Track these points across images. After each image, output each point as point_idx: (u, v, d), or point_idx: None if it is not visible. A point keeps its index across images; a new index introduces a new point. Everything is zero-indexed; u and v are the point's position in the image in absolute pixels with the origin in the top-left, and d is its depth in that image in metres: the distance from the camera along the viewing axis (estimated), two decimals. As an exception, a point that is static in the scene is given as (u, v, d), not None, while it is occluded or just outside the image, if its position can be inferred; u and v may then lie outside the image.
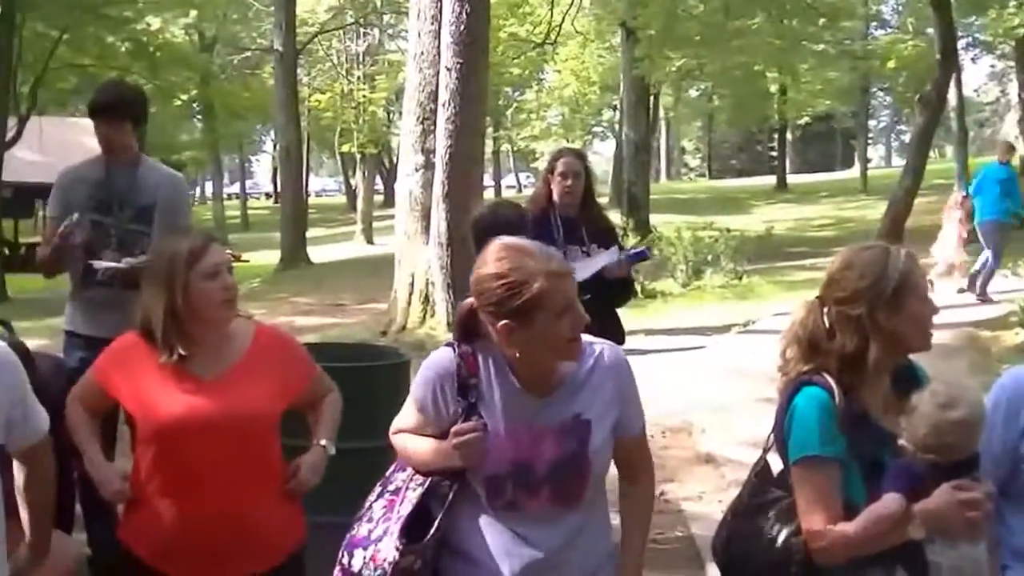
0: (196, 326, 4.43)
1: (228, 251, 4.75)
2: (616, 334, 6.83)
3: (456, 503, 3.94)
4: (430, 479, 3.99)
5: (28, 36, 37.07)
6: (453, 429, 3.86)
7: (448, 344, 4.03)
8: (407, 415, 4.16)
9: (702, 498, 9.22)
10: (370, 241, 47.04)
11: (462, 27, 15.16)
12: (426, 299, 16.44)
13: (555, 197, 7.82)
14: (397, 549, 3.86)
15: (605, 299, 7.33)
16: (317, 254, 37.47)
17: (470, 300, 3.88)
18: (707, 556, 6.93)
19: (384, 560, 3.88)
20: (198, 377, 4.45)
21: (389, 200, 64.17)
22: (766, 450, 4.07)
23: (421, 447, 4.05)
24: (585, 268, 7.13)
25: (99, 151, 6.85)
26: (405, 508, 3.96)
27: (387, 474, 4.24)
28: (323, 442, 4.73)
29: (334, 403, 4.90)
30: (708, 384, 12.89)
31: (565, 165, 7.83)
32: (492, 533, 3.93)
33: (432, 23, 16.72)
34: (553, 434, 3.88)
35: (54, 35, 38.27)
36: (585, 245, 7.67)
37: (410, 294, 16.82)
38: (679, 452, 10.62)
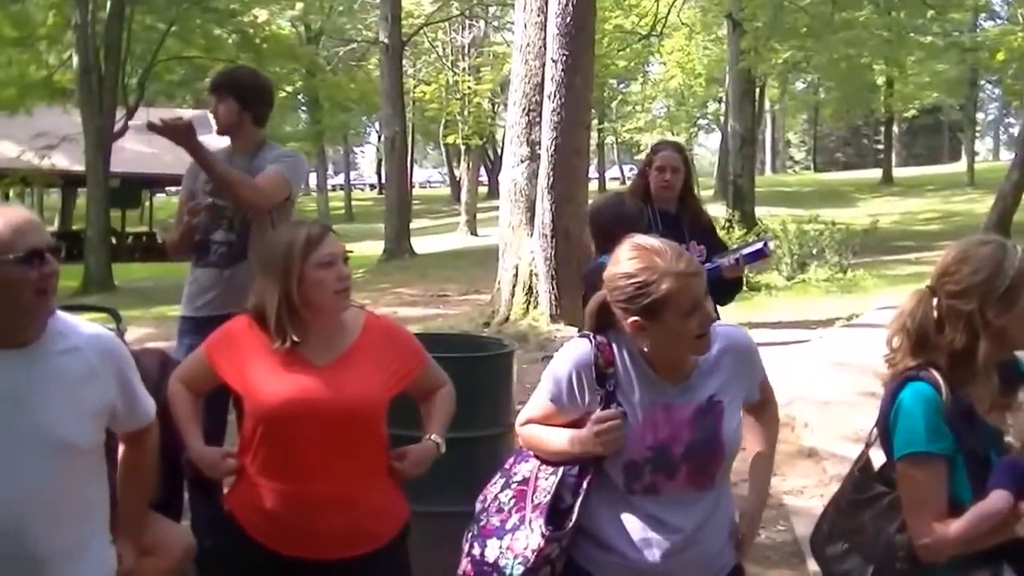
0: (309, 314, 4.48)
1: None
2: None
3: (591, 491, 4.02)
4: (561, 468, 4.07)
5: (137, 29, 37.58)
6: (593, 417, 3.95)
7: (583, 335, 4.12)
8: (536, 405, 4.22)
9: (803, 492, 9.13)
10: (474, 232, 47.13)
11: (568, 18, 15.09)
12: (529, 290, 16.38)
13: (652, 191, 7.73)
14: (543, 536, 3.96)
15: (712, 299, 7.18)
16: (421, 245, 37.59)
17: (603, 293, 4.00)
18: (808, 551, 6.91)
19: (525, 548, 3.99)
20: (309, 362, 4.49)
21: (493, 191, 64.25)
22: (868, 445, 4.06)
23: (556, 437, 4.12)
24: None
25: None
26: (541, 496, 4.06)
27: (506, 467, 4.32)
28: (435, 438, 4.72)
29: (447, 397, 4.89)
30: (811, 378, 12.75)
31: (663, 159, 7.74)
32: (630, 519, 4.00)
33: (538, 14, 16.67)
34: (689, 417, 3.99)
35: (162, 28, 38.73)
36: (685, 242, 7.28)
37: (513, 285, 16.77)
38: (781, 446, 10.45)
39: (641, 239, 3.98)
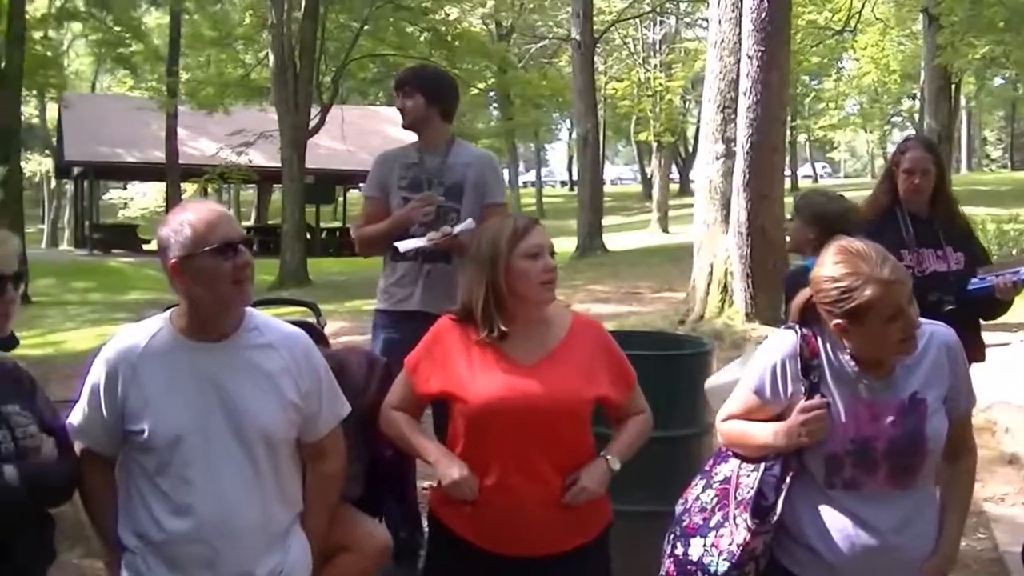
0: (516, 305, 4.48)
1: None
2: (975, 350, 6.46)
3: (792, 487, 4.08)
4: (762, 465, 4.12)
5: (331, 27, 38.30)
6: (799, 406, 4.01)
7: (788, 326, 4.18)
8: (737, 400, 4.28)
9: (1004, 500, 8.92)
10: (665, 230, 46.99)
11: (764, 14, 14.91)
12: (724, 288, 16.24)
13: (901, 194, 7.01)
14: (749, 530, 4.04)
15: (973, 312, 6.74)
16: (612, 242, 37.57)
17: (808, 291, 4.07)
18: (1011, 563, 6.73)
19: (731, 543, 4.07)
20: (515, 361, 4.49)
21: (684, 188, 64.05)
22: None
23: (759, 430, 4.17)
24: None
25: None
26: (745, 492, 4.12)
27: (706, 468, 4.38)
28: (609, 456, 4.59)
29: (641, 423, 4.77)
30: (1012, 382, 12.42)
31: (911, 161, 6.94)
32: (829, 515, 4.05)
33: (733, 11, 16.57)
34: (892, 412, 4.01)
35: (355, 26, 39.38)
36: (941, 248, 6.84)
37: (708, 283, 16.66)
38: (981, 452, 10.14)
39: (848, 242, 4.01)
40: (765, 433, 4.11)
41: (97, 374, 4.26)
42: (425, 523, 5.30)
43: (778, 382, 4.10)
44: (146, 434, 4.11)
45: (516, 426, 4.38)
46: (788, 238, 8.38)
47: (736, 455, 4.24)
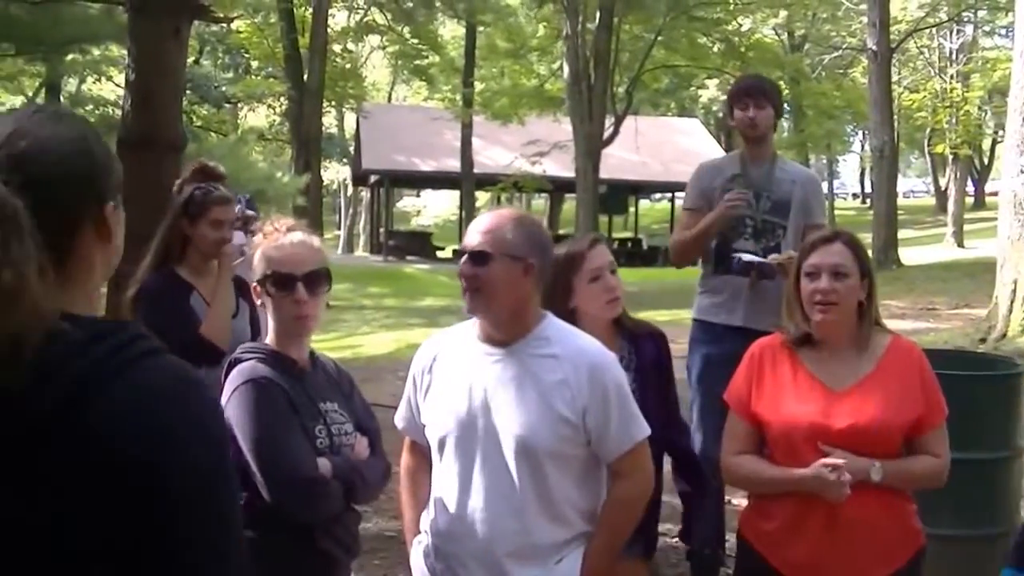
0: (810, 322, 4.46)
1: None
2: None
3: None
4: None
5: (624, 38, 38.47)
6: None
7: None
8: None
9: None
10: (960, 244, 45.83)
11: (1073, 23, 14.52)
12: (1028, 305, 15.78)
13: None
14: None
15: None
16: (906, 256, 36.84)
17: None
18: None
19: None
20: (827, 387, 4.44)
21: (980, 202, 62.40)
22: None
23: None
24: None
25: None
26: None
27: None
28: (876, 464, 4.32)
29: (932, 466, 4.46)
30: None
31: None
32: None
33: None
34: None
35: (649, 37, 39.51)
36: None
37: (1012, 300, 16.16)
38: None
39: None
40: None
41: (412, 368, 4.42)
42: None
43: None
44: (427, 432, 4.28)
45: (816, 455, 4.31)
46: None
47: None
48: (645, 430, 4.21)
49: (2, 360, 1.79)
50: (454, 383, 4.21)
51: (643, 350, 5.33)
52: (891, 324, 4.44)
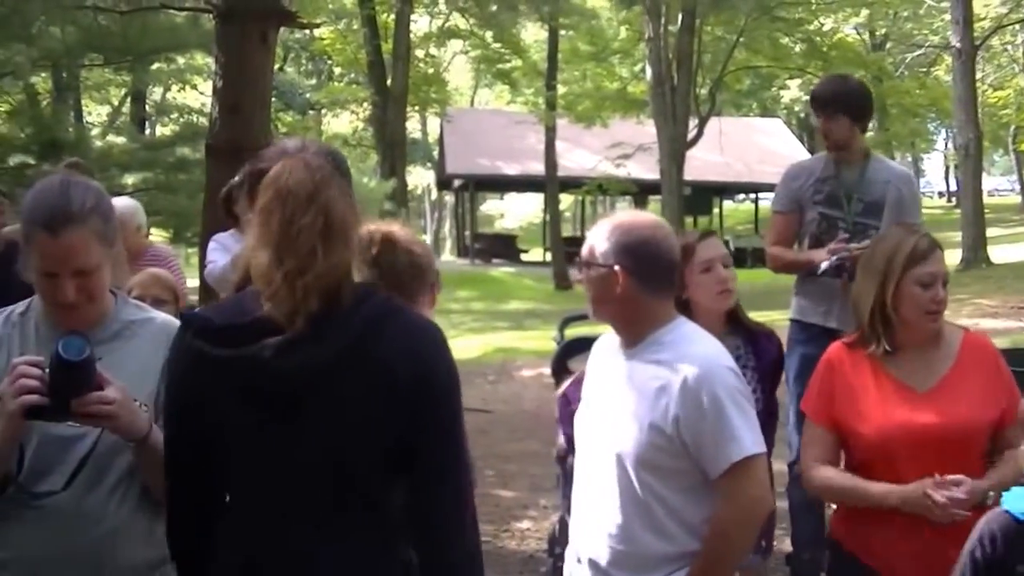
0: (900, 327, 4.48)
1: None
2: None
3: None
4: None
5: (706, 40, 38.57)
6: None
7: None
8: None
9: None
10: (1048, 242, 45.41)
11: None
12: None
13: None
14: None
15: None
16: (996, 254, 36.52)
17: None
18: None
19: None
20: (911, 389, 4.45)
21: (1065, 199, 61.79)
22: None
23: None
24: None
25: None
26: None
27: None
28: (993, 494, 4.16)
29: (1018, 459, 4.42)
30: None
31: None
32: None
33: None
34: None
35: (731, 38, 39.55)
36: None
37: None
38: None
39: None
40: None
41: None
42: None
43: None
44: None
45: (915, 456, 4.30)
46: None
47: None
48: (744, 450, 3.89)
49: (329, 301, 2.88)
50: (590, 386, 4.36)
51: (763, 350, 5.41)
52: (983, 323, 4.56)
